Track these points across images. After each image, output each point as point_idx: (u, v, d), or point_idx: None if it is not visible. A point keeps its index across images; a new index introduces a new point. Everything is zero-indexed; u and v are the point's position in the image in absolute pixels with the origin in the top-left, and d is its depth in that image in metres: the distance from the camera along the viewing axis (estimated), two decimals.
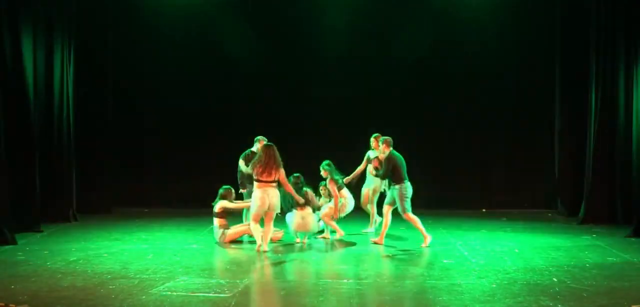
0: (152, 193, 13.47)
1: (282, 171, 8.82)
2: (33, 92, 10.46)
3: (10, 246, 8.87)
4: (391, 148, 9.29)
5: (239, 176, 10.10)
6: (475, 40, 13.20)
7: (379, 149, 9.76)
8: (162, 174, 13.46)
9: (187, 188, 13.25)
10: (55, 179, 11.24)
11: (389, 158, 9.17)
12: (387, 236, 9.47)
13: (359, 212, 10.54)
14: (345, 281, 7.09)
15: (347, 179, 10.19)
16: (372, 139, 10.32)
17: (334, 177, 9.79)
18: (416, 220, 9.16)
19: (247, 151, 10.12)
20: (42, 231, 10.08)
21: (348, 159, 10.71)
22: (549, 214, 12.57)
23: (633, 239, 9.55)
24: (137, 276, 7.22)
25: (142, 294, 6.47)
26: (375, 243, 9.34)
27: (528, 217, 12.03)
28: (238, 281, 7.03)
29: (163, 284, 6.87)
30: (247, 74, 13.39)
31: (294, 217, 9.30)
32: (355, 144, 11.12)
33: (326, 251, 9.02)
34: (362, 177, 10.56)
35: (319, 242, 9.63)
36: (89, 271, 7.47)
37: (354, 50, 13.31)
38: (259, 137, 10.05)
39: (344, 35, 13.21)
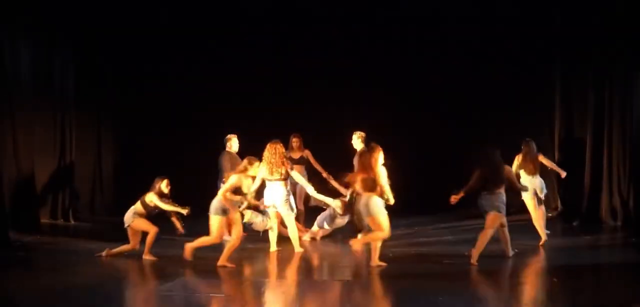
0: None
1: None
2: (32, 91, 10.46)
3: (10, 246, 8.88)
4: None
5: None
6: (474, 41, 13.16)
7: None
8: (161, 174, 13.40)
9: (188, 188, 13.19)
10: (55, 179, 11.23)
11: None
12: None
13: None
14: (345, 281, 7.08)
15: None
16: (356, 138, 9.70)
17: None
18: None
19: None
20: (42, 231, 10.07)
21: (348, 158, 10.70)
22: (549, 214, 12.55)
23: (633, 239, 9.55)
24: (138, 276, 7.22)
25: (143, 293, 6.47)
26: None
27: (528, 217, 12.01)
28: (238, 281, 7.03)
29: (163, 284, 6.88)
30: (247, 74, 13.37)
31: None
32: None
33: (326, 250, 9.02)
34: None
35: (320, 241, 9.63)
36: (89, 271, 7.47)
37: (353, 47, 13.26)
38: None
39: (343, 32, 13.17)
